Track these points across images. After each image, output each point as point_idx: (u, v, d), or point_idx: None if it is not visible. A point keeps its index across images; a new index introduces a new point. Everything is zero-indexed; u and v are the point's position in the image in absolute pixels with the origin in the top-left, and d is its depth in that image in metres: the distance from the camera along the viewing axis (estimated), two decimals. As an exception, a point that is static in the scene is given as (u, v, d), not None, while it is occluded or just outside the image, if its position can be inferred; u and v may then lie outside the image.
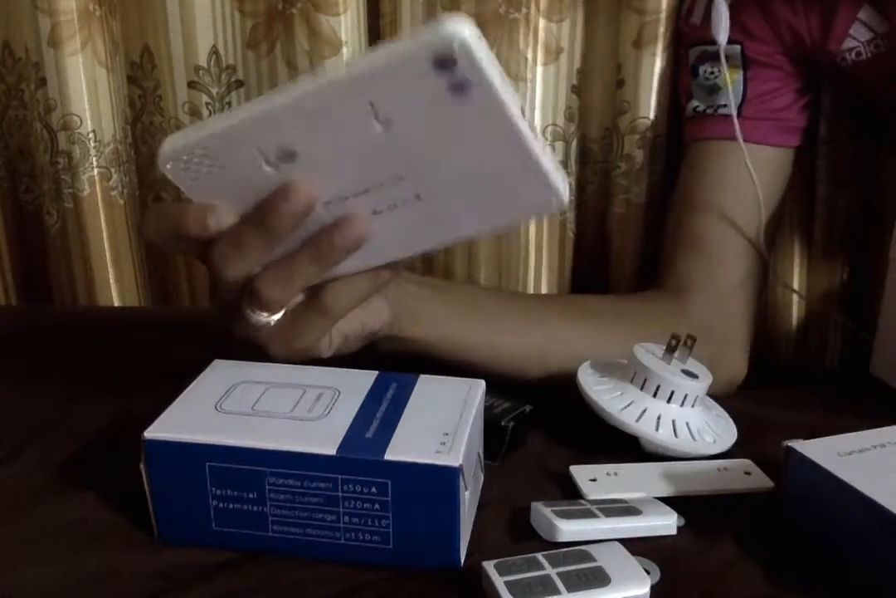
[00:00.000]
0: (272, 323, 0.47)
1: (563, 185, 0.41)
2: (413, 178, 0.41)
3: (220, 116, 0.42)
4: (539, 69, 0.83)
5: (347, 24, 0.80)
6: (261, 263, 0.45)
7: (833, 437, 0.46)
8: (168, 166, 0.43)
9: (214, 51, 0.83)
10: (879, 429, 0.47)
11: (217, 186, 0.43)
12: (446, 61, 0.36)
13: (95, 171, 0.87)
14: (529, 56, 0.82)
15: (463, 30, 0.36)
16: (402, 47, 0.37)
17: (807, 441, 0.46)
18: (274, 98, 0.40)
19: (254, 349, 0.50)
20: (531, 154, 0.40)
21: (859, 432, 0.46)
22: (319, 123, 0.40)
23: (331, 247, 0.43)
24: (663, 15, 0.80)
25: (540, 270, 0.89)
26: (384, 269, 0.46)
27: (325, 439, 0.43)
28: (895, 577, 0.40)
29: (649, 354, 0.55)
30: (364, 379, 0.49)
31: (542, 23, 0.82)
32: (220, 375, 0.49)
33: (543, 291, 0.90)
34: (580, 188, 0.89)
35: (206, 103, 0.85)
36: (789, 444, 0.46)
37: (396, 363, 0.51)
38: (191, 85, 0.84)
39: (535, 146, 0.40)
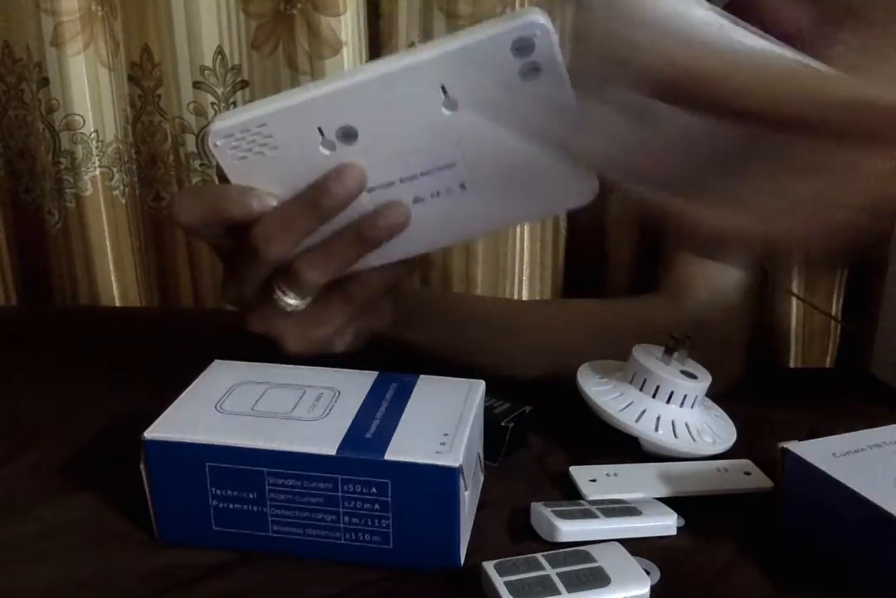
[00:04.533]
0: (299, 308, 0.48)
1: (595, 177, 0.43)
2: (463, 165, 0.43)
3: (272, 97, 0.43)
4: None
5: (347, 24, 0.81)
6: (303, 244, 0.45)
7: (828, 438, 0.46)
8: (218, 143, 0.43)
9: (220, 51, 0.84)
10: (874, 429, 0.47)
11: (262, 167, 0.44)
12: (526, 46, 0.39)
13: (97, 171, 0.87)
14: None
15: (542, 19, 0.39)
16: (486, 31, 0.40)
17: (802, 442, 0.46)
18: (346, 78, 0.41)
19: (268, 342, 0.50)
20: None
21: (855, 433, 0.46)
22: (389, 103, 0.41)
23: (373, 229, 0.44)
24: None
25: (535, 269, 0.88)
26: (404, 263, 0.48)
27: (325, 440, 0.43)
28: (892, 576, 0.40)
29: (649, 354, 0.55)
30: (364, 379, 0.49)
31: None
32: (220, 375, 0.49)
33: (539, 288, 0.90)
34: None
35: (212, 103, 0.85)
36: (784, 445, 0.46)
37: (396, 363, 0.51)
38: (196, 85, 0.84)
39: None
